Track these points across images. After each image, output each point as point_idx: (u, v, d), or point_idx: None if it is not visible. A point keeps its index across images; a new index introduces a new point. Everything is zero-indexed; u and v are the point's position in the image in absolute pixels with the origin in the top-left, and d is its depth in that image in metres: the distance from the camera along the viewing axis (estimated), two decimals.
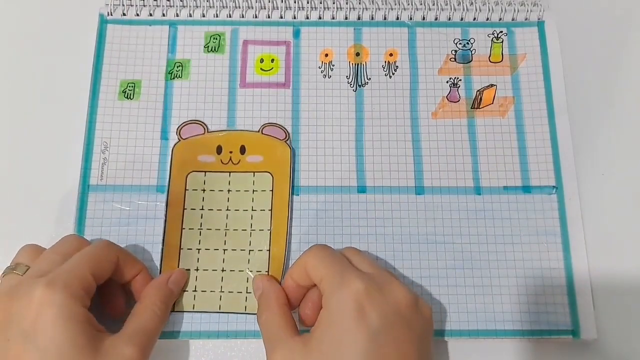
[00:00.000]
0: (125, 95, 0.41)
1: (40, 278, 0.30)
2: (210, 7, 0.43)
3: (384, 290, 0.31)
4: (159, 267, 0.37)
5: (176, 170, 0.39)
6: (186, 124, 0.40)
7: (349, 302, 0.30)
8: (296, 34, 0.43)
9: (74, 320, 0.29)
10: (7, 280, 0.32)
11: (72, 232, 0.37)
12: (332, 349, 0.29)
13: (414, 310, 0.31)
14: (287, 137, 0.40)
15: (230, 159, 0.39)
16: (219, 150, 0.39)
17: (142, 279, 0.35)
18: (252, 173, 0.39)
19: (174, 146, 0.39)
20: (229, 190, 0.39)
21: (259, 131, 0.40)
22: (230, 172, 0.39)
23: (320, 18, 0.43)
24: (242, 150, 0.39)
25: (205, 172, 0.39)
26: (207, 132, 0.40)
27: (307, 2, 0.43)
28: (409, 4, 0.43)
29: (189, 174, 0.39)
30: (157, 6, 0.43)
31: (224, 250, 0.37)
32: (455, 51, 0.42)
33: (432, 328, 0.33)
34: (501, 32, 0.43)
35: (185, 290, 0.36)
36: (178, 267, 0.37)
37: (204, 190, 0.39)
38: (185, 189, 0.39)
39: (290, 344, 0.31)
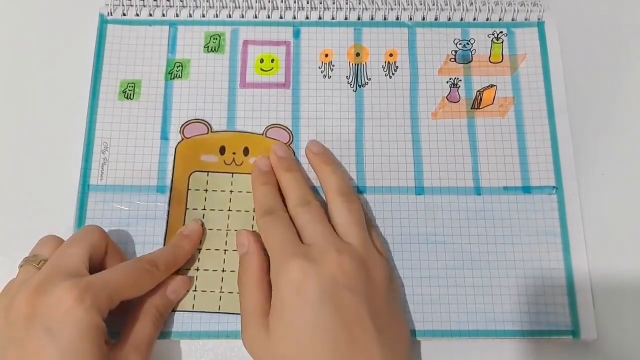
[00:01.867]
0: (125, 95, 0.41)
1: (69, 282, 0.30)
2: (210, 7, 0.43)
3: (318, 263, 0.32)
4: None
5: (179, 169, 0.39)
6: (190, 123, 0.40)
7: (288, 284, 0.32)
8: (296, 34, 0.43)
9: (95, 333, 0.30)
10: (25, 272, 0.32)
11: (72, 232, 0.37)
12: (287, 328, 0.31)
13: (356, 275, 0.32)
14: (291, 140, 0.40)
15: (234, 159, 0.39)
16: (222, 150, 0.39)
17: None
18: None
19: (177, 145, 0.39)
20: (231, 191, 0.39)
21: (262, 133, 0.40)
22: (232, 173, 0.39)
23: (320, 18, 0.43)
24: (246, 151, 0.39)
25: (207, 172, 0.39)
26: (211, 131, 0.40)
27: (307, 2, 0.43)
28: (409, 4, 0.43)
29: (191, 173, 0.39)
30: (157, 6, 0.43)
31: (225, 250, 0.37)
32: (455, 51, 0.42)
33: (385, 282, 0.34)
34: (501, 32, 0.43)
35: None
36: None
37: (206, 190, 0.39)
38: (188, 189, 0.39)
39: (258, 327, 0.33)
